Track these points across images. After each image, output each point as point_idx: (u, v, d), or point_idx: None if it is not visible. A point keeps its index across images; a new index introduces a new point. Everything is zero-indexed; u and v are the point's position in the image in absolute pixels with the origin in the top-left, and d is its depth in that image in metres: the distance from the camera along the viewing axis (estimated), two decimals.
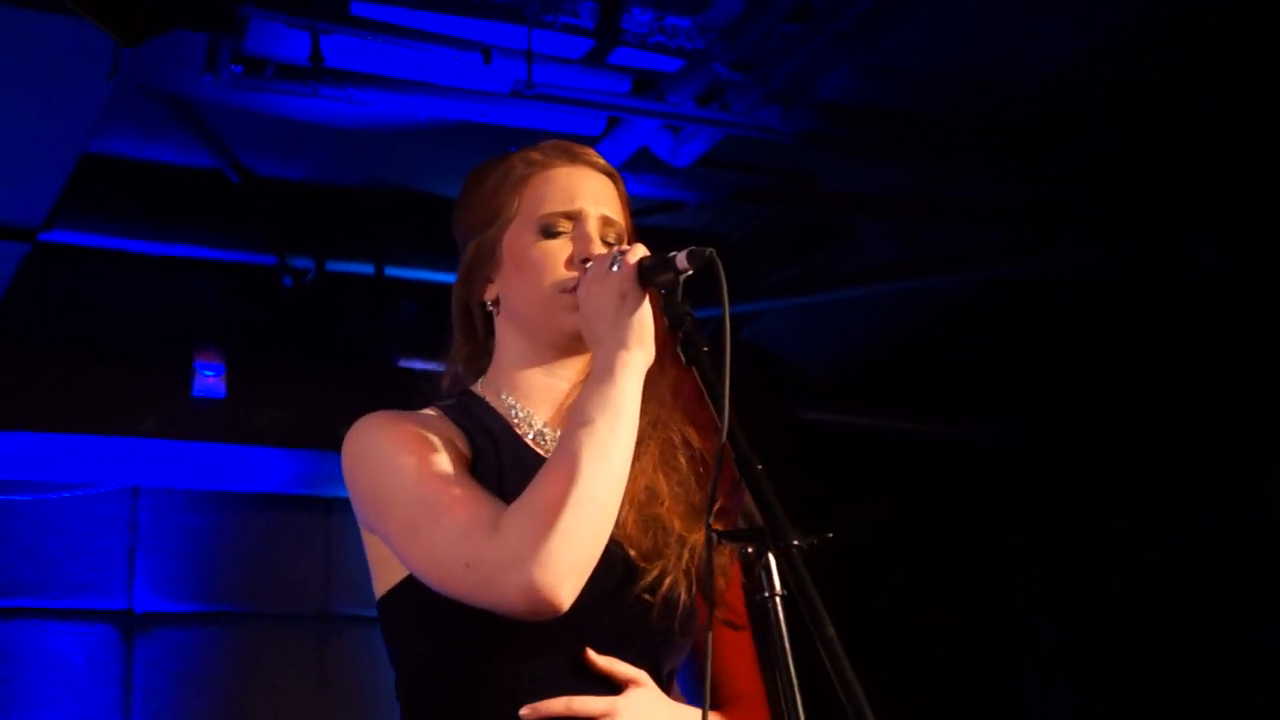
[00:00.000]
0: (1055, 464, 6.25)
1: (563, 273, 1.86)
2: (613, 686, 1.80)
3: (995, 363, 5.99)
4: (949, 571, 6.42)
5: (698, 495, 1.88)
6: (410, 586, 1.78)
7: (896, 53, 4.36)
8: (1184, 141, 4.70)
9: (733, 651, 1.93)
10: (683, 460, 1.90)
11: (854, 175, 5.08)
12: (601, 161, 1.97)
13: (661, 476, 1.88)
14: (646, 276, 1.76)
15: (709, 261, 1.69)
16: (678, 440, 1.91)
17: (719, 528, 1.64)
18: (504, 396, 1.91)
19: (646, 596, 1.80)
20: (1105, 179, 4.98)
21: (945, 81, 4.56)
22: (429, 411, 1.90)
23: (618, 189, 1.97)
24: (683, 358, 1.72)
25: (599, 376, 1.72)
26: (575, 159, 1.94)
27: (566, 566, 1.64)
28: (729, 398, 1.64)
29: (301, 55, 3.95)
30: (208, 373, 5.29)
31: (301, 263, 5.43)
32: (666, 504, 1.86)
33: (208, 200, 5.05)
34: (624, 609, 1.80)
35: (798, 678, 1.56)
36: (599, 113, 4.45)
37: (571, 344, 1.88)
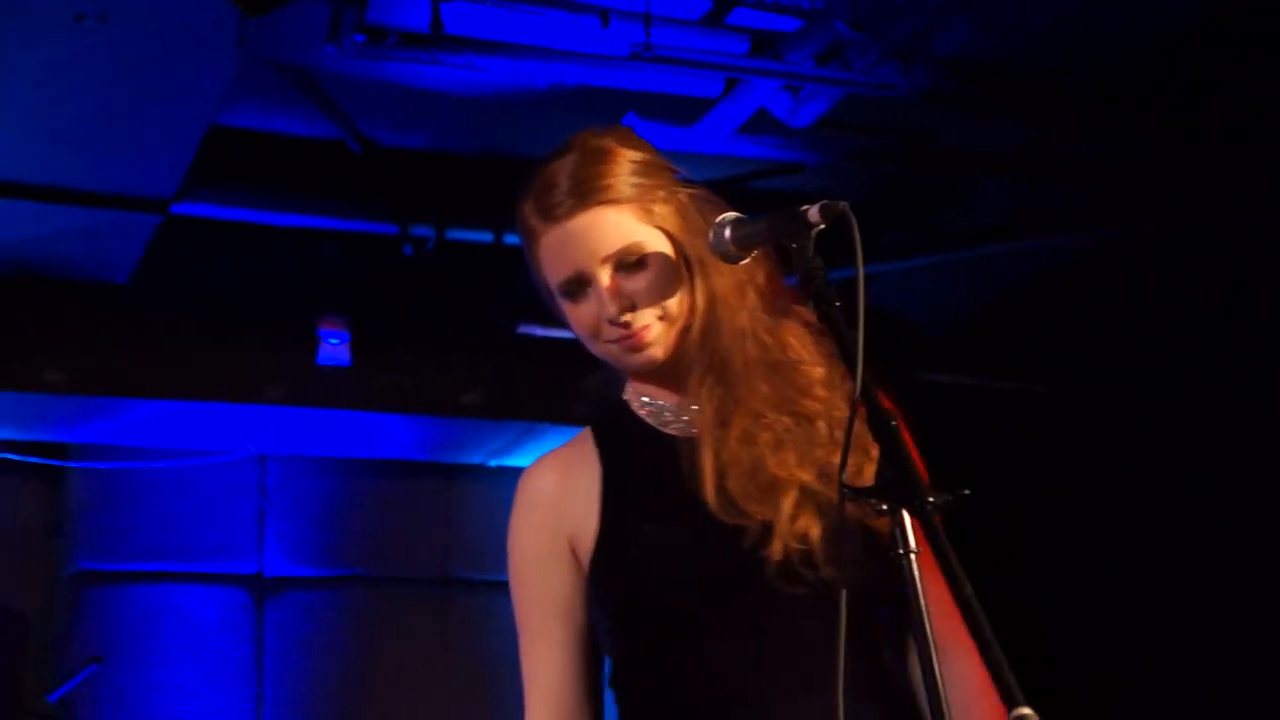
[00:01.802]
0: (1170, 428, 6.13)
1: (598, 329, 1.88)
2: (793, 671, 1.79)
3: (1116, 323, 5.87)
4: (1069, 536, 6.34)
5: (806, 442, 1.86)
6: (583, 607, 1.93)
7: (1016, 7, 4.27)
8: None
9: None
10: (772, 415, 1.87)
11: (973, 134, 5.00)
12: (585, 186, 1.86)
13: (757, 430, 1.85)
14: (776, 230, 1.75)
15: (842, 215, 1.66)
16: (763, 395, 1.88)
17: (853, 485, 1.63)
18: (643, 397, 1.96)
19: (777, 558, 1.79)
20: (1229, 138, 4.85)
21: (1066, 36, 4.46)
22: (580, 439, 1.98)
23: (613, 210, 1.87)
24: (815, 314, 1.71)
25: None
26: (557, 217, 1.87)
27: None
28: (863, 354, 1.62)
29: (422, 23, 3.98)
30: (332, 340, 5.38)
31: (422, 231, 5.48)
32: (766, 455, 1.84)
33: (330, 170, 5.11)
34: (764, 568, 1.79)
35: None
36: (717, 74, 4.43)
37: (653, 369, 1.91)
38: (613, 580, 1.85)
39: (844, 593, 1.64)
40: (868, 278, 1.62)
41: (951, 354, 6.16)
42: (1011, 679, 1.40)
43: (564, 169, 1.90)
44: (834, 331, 1.68)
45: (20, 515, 5.79)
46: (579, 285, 1.88)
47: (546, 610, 1.91)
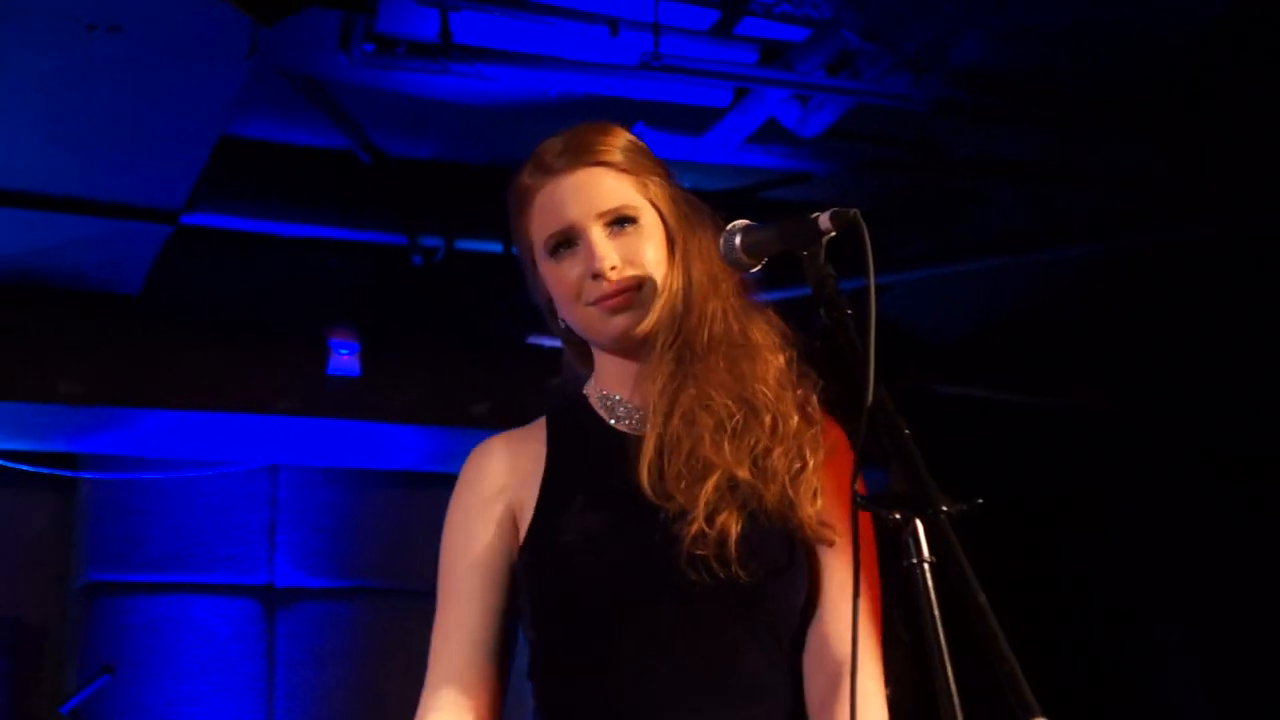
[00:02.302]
0: (1188, 440, 6.10)
1: (582, 291, 1.88)
2: (705, 634, 1.79)
3: (1127, 333, 5.85)
4: (1080, 547, 6.31)
5: (745, 435, 1.85)
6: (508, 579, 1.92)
7: (1029, 14, 4.26)
8: None
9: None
10: (717, 404, 1.86)
11: (985, 143, 4.99)
12: (593, 150, 1.91)
13: (697, 425, 1.85)
14: (788, 238, 1.74)
15: (853, 222, 1.66)
16: (715, 383, 1.88)
17: (863, 493, 1.62)
18: (601, 391, 1.98)
19: (699, 550, 1.78)
20: (1245, 144, 4.83)
21: (1079, 43, 4.45)
22: (534, 427, 2.00)
23: (614, 169, 1.91)
24: (825, 320, 1.70)
25: None
26: (559, 169, 1.89)
27: None
28: (874, 362, 1.61)
29: (431, 33, 3.99)
30: (342, 351, 5.37)
31: (431, 241, 5.48)
32: (704, 449, 1.83)
33: (340, 180, 5.12)
34: (680, 562, 1.78)
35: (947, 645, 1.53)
36: (726, 84, 4.43)
37: (625, 341, 1.91)
38: (539, 565, 1.86)
39: (855, 604, 1.63)
40: (878, 288, 1.61)
41: (963, 366, 6.14)
42: (1026, 689, 1.39)
43: (564, 135, 1.95)
44: (845, 339, 1.68)
45: (32, 526, 5.79)
46: (568, 241, 1.89)
47: (473, 573, 1.90)
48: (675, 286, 1.91)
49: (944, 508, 1.53)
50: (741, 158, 4.77)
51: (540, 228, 1.91)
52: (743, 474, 1.83)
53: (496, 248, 5.59)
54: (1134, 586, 6.34)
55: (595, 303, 1.87)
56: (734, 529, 1.79)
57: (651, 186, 1.93)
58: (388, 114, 4.78)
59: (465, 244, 5.54)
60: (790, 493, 1.83)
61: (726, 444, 1.85)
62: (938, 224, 5.51)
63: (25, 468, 5.61)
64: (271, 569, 5.88)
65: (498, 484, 1.93)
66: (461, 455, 6.38)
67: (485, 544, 1.90)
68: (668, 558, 1.79)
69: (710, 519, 1.79)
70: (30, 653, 5.69)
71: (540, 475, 1.92)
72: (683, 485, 1.82)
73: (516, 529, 1.91)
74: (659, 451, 1.85)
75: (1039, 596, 5.96)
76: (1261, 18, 4.25)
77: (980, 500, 1.57)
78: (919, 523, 1.54)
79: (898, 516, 1.56)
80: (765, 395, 1.88)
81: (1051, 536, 6.27)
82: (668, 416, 1.87)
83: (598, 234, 1.88)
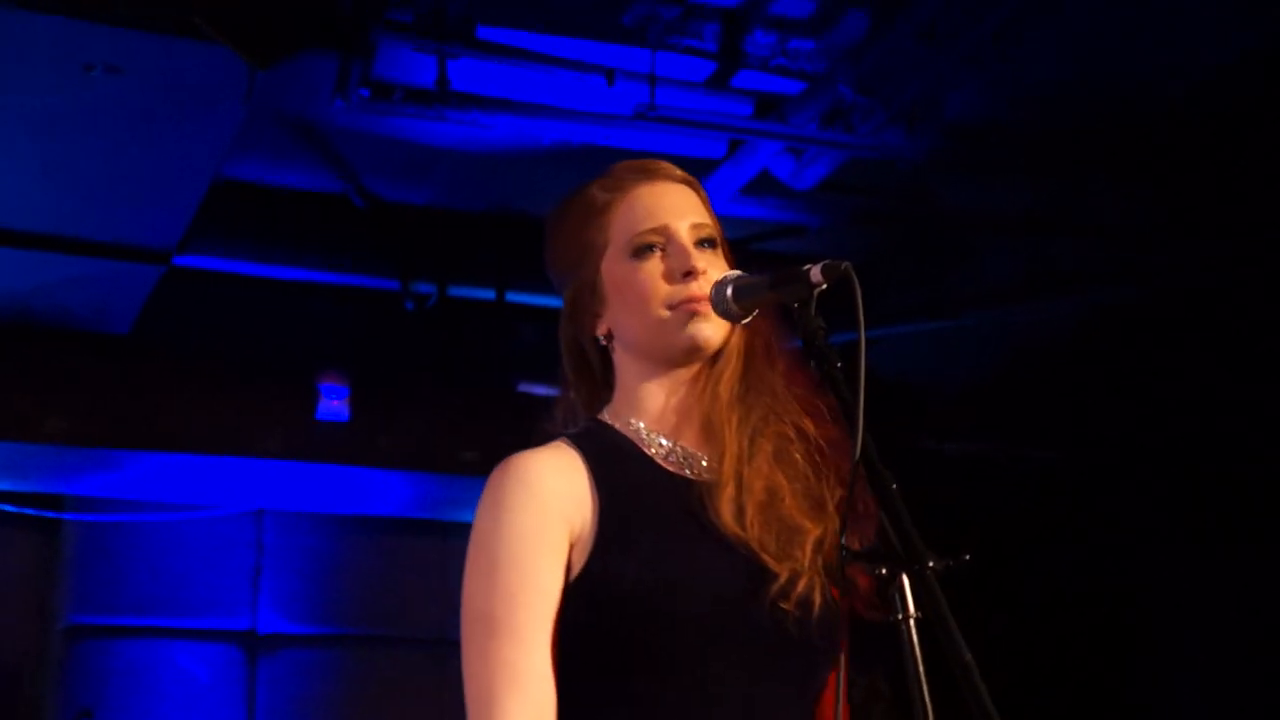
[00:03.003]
0: (1182, 493, 6.09)
1: (665, 290, 1.84)
2: (754, 704, 1.75)
3: (1121, 387, 5.85)
4: (1082, 602, 6.29)
5: (819, 489, 1.83)
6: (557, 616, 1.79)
7: (1023, 70, 4.29)
8: None
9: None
10: (798, 455, 1.85)
11: (977, 197, 5.01)
12: (678, 172, 1.95)
13: (779, 474, 1.83)
14: (780, 290, 1.74)
15: (844, 276, 1.66)
16: (792, 433, 1.86)
17: (852, 546, 1.61)
18: (632, 422, 1.89)
19: (782, 604, 1.74)
20: (1238, 198, 4.85)
21: (1073, 98, 4.48)
22: (559, 443, 1.88)
23: (699, 195, 1.95)
24: (816, 374, 1.69)
25: None
26: (651, 176, 1.92)
27: None
28: (863, 416, 1.60)
29: (428, 79, 4.00)
30: (332, 397, 5.36)
31: (424, 287, 5.48)
32: (788, 501, 1.81)
33: (334, 225, 5.13)
34: (760, 618, 1.75)
35: (931, 701, 1.52)
36: (721, 135, 4.45)
37: (690, 356, 1.86)
38: (606, 607, 1.74)
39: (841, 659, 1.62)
40: (871, 341, 1.61)
41: (955, 420, 6.14)
42: None
43: (635, 160, 1.96)
44: (835, 392, 1.67)
45: (15, 566, 5.75)
46: (656, 242, 1.87)
47: (538, 605, 1.75)
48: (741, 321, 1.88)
49: (930, 563, 1.52)
50: (735, 209, 4.79)
51: (624, 228, 1.88)
52: (823, 533, 1.79)
53: (489, 295, 5.60)
54: (1132, 643, 6.31)
55: (679, 305, 1.82)
56: (817, 592, 1.76)
57: (719, 226, 1.94)
58: (383, 159, 4.79)
59: (458, 290, 5.54)
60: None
61: (808, 497, 1.82)
62: (931, 277, 5.52)
63: (9, 508, 5.58)
64: (254, 614, 5.84)
65: (555, 507, 1.79)
66: (449, 502, 6.33)
67: (550, 573, 1.76)
68: (751, 606, 1.75)
69: (796, 576, 1.75)
70: (9, 694, 5.64)
71: (592, 503, 1.80)
72: (771, 535, 1.78)
73: (572, 560, 1.78)
74: (738, 494, 1.80)
75: (1031, 651, 5.94)
76: (1253, 75, 4.28)
77: (967, 556, 1.57)
78: (905, 578, 1.54)
79: (884, 571, 1.55)
80: (830, 435, 1.85)
81: (1046, 590, 6.24)
82: (746, 459, 1.82)
83: (689, 239, 1.87)
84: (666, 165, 1.95)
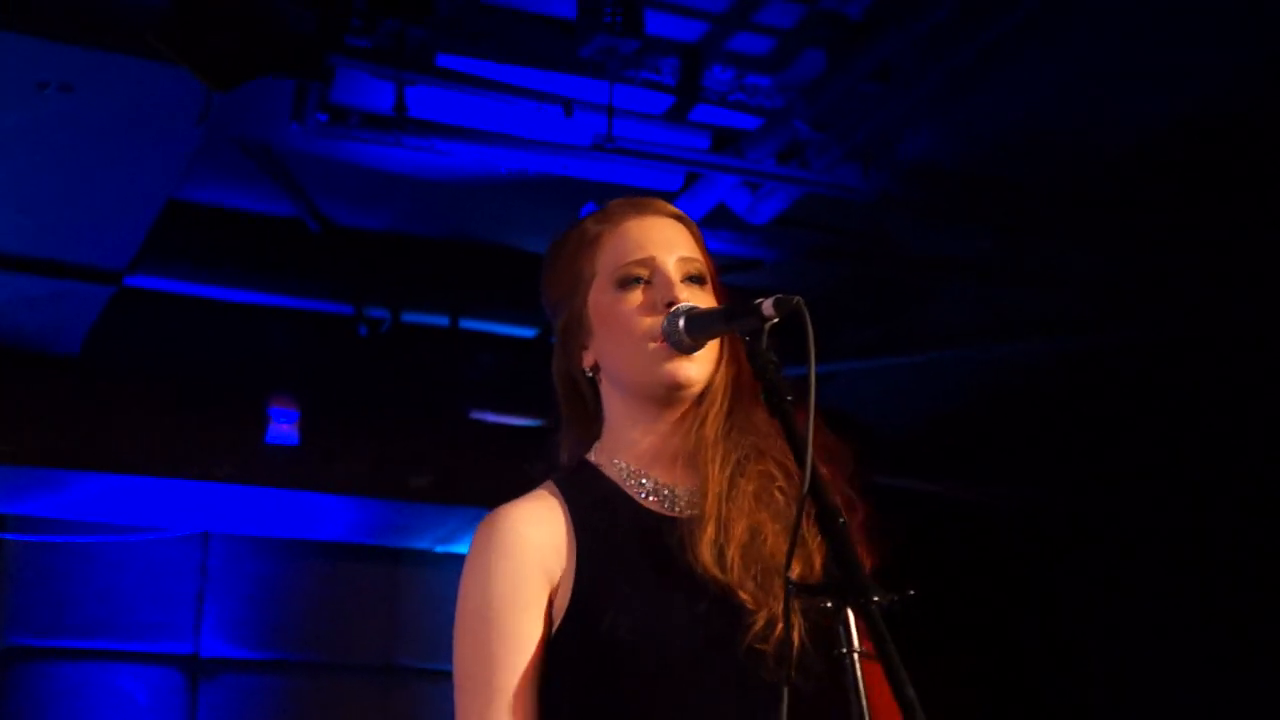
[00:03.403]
0: (1129, 537, 6.14)
1: (647, 323, 1.84)
2: None
3: (1072, 431, 5.90)
4: (1021, 645, 6.32)
5: (806, 529, 1.80)
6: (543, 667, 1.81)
7: (978, 115, 4.34)
8: (1269, 213, 4.63)
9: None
10: (779, 494, 1.86)
11: (933, 238, 5.04)
12: (671, 208, 1.97)
13: (762, 513, 1.83)
14: (732, 322, 1.75)
15: (795, 310, 1.66)
16: (776, 471, 1.87)
17: (795, 580, 1.62)
18: (616, 462, 1.90)
19: (759, 645, 1.75)
20: (1187, 249, 4.91)
21: (1027, 146, 4.53)
22: (542, 491, 1.90)
23: (692, 231, 1.95)
24: (766, 407, 1.70)
25: None
26: (643, 210, 1.94)
27: None
28: (812, 450, 1.61)
29: (386, 105, 4.00)
30: (282, 420, 5.33)
31: (378, 313, 5.47)
32: (770, 541, 1.81)
33: (288, 248, 5.11)
34: (738, 661, 1.75)
35: None
36: (678, 168, 4.47)
37: (672, 394, 1.86)
38: (588, 660, 1.77)
39: (784, 692, 1.62)
40: (824, 376, 1.62)
41: (905, 457, 6.17)
42: None
43: (628, 198, 1.98)
44: (784, 425, 1.68)
45: None
46: (642, 274, 1.87)
47: (517, 664, 1.78)
48: (726, 358, 1.89)
49: (875, 597, 1.53)
50: None
51: (612, 259, 1.89)
52: (805, 572, 1.79)
53: (443, 321, 5.59)
54: (1081, 680, 6.34)
55: (659, 339, 1.82)
56: (796, 633, 1.74)
57: (710, 264, 1.94)
58: (339, 184, 4.78)
59: (412, 316, 5.53)
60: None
61: (785, 539, 1.80)
62: (885, 315, 5.55)
63: None
64: (197, 639, 5.78)
65: (534, 557, 1.82)
66: (398, 528, 6.30)
67: (530, 634, 1.79)
68: (727, 651, 1.75)
69: (774, 619, 1.75)
70: None
71: (571, 552, 1.82)
72: (750, 577, 1.78)
73: (550, 607, 1.81)
74: (718, 534, 1.80)
75: (981, 688, 5.95)
76: (1206, 128, 4.34)
77: (911, 591, 1.57)
78: (850, 612, 1.54)
79: (829, 605, 1.56)
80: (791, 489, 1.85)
81: (994, 629, 6.27)
82: (728, 498, 1.82)
83: (675, 273, 1.87)
84: (660, 202, 1.97)
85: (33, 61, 3.53)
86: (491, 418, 5.43)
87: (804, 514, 1.63)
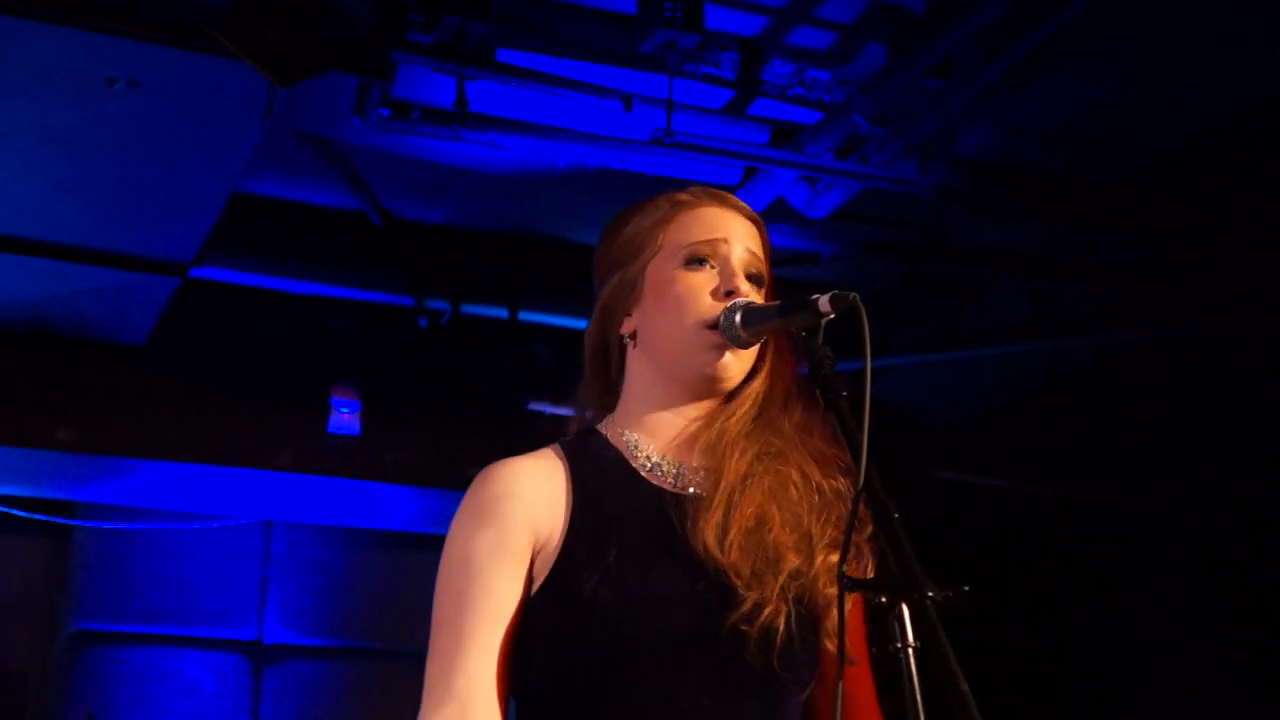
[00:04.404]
0: (1181, 534, 6.09)
1: (705, 305, 1.85)
2: (721, 716, 1.76)
3: (1128, 426, 5.86)
4: (1074, 637, 6.29)
5: (814, 527, 1.83)
6: (521, 631, 1.81)
7: (1038, 110, 4.32)
8: None
9: (859, 702, 1.89)
10: (794, 493, 1.86)
11: (991, 232, 5.02)
12: (748, 208, 1.98)
13: (772, 506, 1.84)
14: (789, 318, 1.76)
15: (852, 306, 1.66)
16: (795, 475, 1.87)
17: (852, 575, 1.63)
18: (626, 434, 1.91)
19: (743, 626, 1.75)
20: (1248, 244, 4.87)
21: (1086, 140, 4.50)
22: (548, 450, 1.91)
23: (762, 235, 1.96)
24: (821, 402, 1.71)
25: None
26: (723, 201, 1.95)
27: None
28: (866, 445, 1.62)
29: (447, 100, 4.03)
30: (343, 410, 5.38)
31: (437, 304, 5.51)
32: (775, 531, 1.81)
33: (349, 241, 5.16)
34: (720, 638, 1.76)
35: None
36: (737, 162, 4.47)
37: (704, 385, 1.87)
38: (569, 620, 1.76)
39: (839, 685, 1.63)
40: (880, 371, 1.62)
41: (965, 452, 6.15)
42: None
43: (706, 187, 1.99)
44: (839, 421, 1.68)
45: (24, 572, 5.78)
46: (709, 256, 1.88)
47: (494, 611, 1.77)
48: (767, 361, 1.90)
49: (930, 593, 1.53)
50: None
51: (683, 235, 1.90)
52: (804, 565, 1.80)
53: (503, 313, 5.62)
54: (1136, 673, 6.31)
55: (712, 326, 1.83)
56: (782, 620, 1.76)
57: (769, 272, 1.95)
58: (400, 178, 4.82)
59: (471, 309, 5.57)
60: (829, 592, 1.80)
61: (796, 531, 1.82)
62: (942, 309, 5.54)
63: (20, 513, 5.61)
64: (261, 625, 5.86)
65: (523, 512, 1.82)
66: None
67: (511, 588, 1.79)
68: (708, 630, 1.75)
69: (763, 604, 1.76)
70: (15, 699, 5.66)
71: (565, 513, 1.83)
72: (747, 562, 1.78)
73: (533, 564, 1.81)
74: (725, 517, 1.81)
75: (1034, 682, 5.93)
76: (1261, 126, 4.30)
77: (967, 588, 1.58)
78: (905, 607, 1.55)
79: (883, 600, 1.56)
80: (835, 485, 1.86)
81: (1047, 622, 6.24)
82: (741, 486, 1.83)
83: (739, 262, 1.89)
84: (738, 199, 1.98)
85: (100, 58, 3.59)
86: (549, 409, 5.46)
87: (856, 509, 1.63)
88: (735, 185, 4.60)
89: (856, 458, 1.62)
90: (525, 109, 4.23)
